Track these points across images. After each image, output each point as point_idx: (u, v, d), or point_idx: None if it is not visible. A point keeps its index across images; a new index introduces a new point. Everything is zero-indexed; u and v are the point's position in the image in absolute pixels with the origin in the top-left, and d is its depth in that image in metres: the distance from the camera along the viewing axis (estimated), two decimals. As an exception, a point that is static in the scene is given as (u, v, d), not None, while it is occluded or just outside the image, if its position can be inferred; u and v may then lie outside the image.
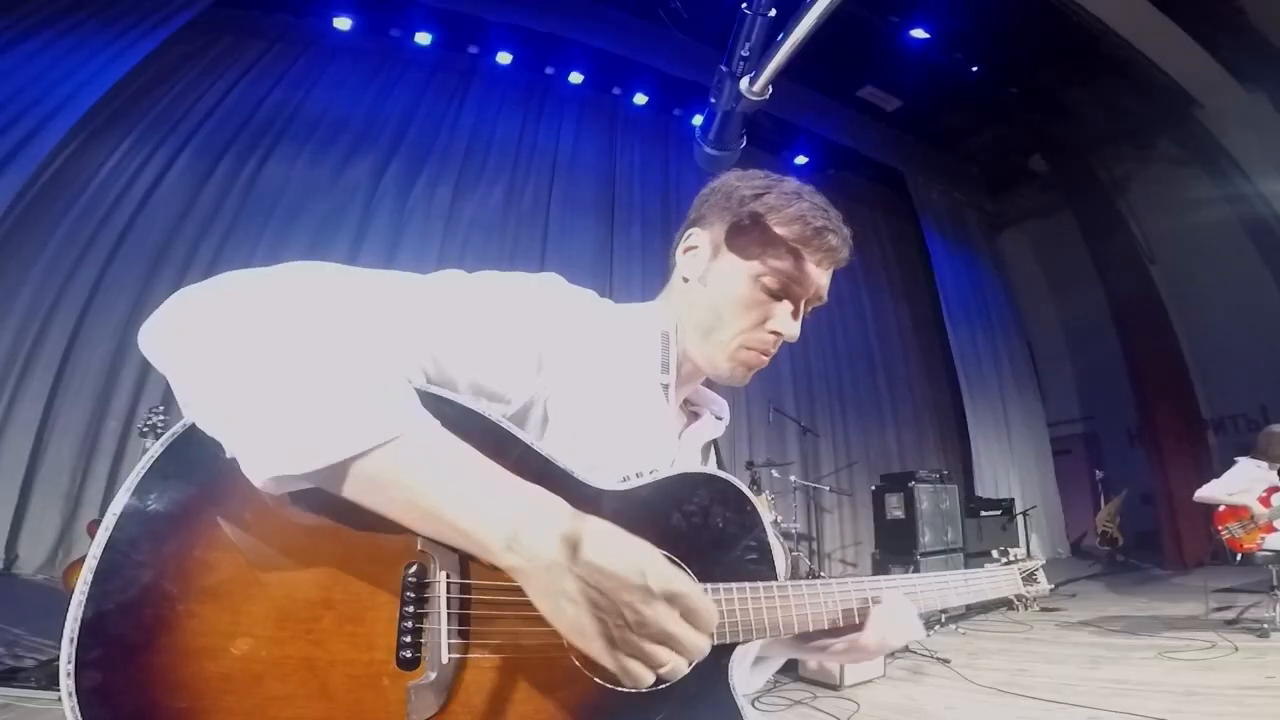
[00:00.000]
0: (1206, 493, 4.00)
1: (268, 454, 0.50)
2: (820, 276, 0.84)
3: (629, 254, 6.64)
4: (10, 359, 4.19)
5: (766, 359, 0.85)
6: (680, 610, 0.54)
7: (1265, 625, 3.62)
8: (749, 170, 0.86)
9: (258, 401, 0.50)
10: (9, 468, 4.05)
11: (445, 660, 0.56)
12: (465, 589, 0.58)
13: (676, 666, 0.55)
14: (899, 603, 0.82)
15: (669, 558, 0.67)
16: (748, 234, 0.82)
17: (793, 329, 0.83)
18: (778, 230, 0.81)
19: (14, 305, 4.27)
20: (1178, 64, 6.75)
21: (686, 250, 0.87)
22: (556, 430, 0.71)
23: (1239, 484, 3.94)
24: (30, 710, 2.17)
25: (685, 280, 0.86)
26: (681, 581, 0.55)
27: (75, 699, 0.46)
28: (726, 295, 0.82)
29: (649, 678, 0.54)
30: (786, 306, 0.83)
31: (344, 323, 0.57)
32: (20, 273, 4.33)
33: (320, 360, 0.52)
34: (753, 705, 2.82)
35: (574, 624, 0.52)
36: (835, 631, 0.81)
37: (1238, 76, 6.73)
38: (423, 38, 6.34)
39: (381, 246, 5.64)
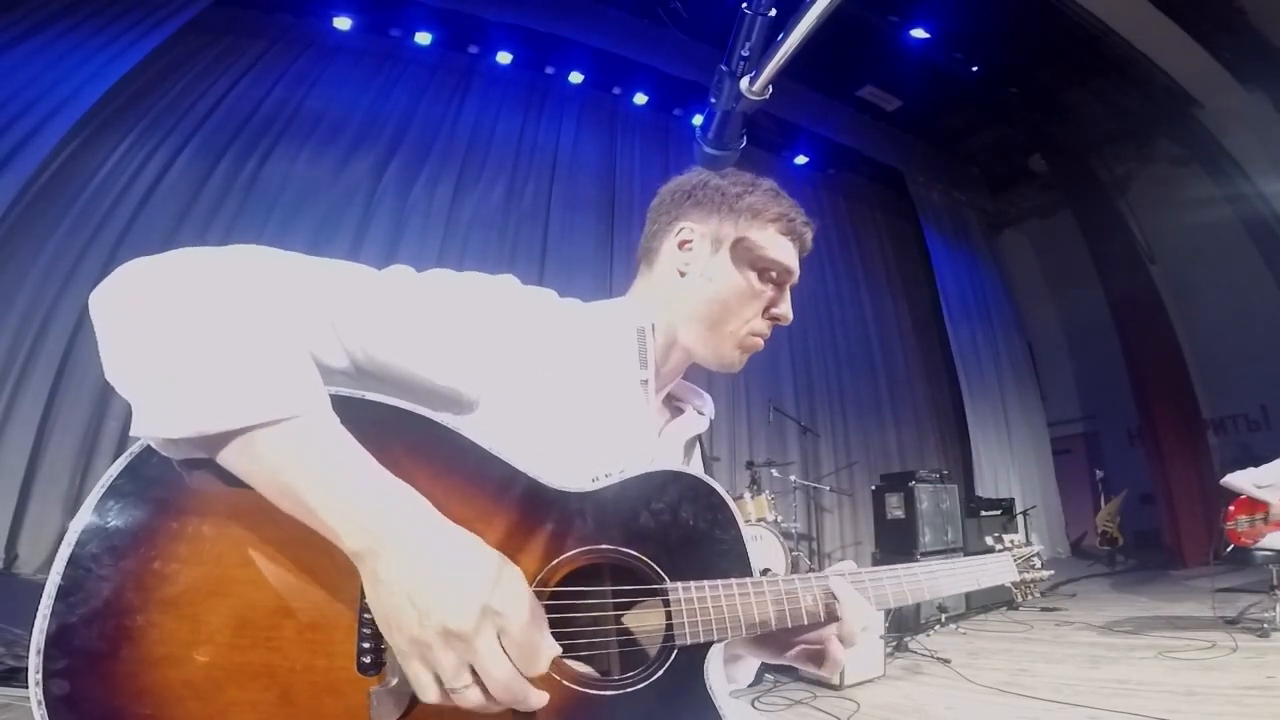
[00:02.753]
0: (1235, 480, 3.95)
1: (155, 416, 0.52)
2: (798, 265, 0.93)
3: (629, 254, 6.54)
4: (10, 359, 4.18)
5: (763, 344, 0.91)
6: (502, 636, 0.53)
7: (1265, 625, 3.62)
8: (703, 168, 0.88)
9: (158, 364, 0.52)
10: (9, 468, 4.05)
11: (411, 685, 0.56)
12: None
13: (466, 695, 0.52)
14: (852, 600, 0.77)
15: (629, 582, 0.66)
16: (746, 230, 0.88)
17: (790, 313, 0.91)
18: (771, 226, 0.89)
19: (14, 304, 4.26)
20: (1178, 64, 6.75)
21: (682, 245, 0.89)
22: (522, 430, 0.70)
23: (1269, 477, 3.90)
24: (30, 710, 2.17)
25: (682, 275, 0.88)
26: (515, 604, 0.53)
27: (44, 707, 0.48)
28: (733, 288, 0.87)
29: (433, 693, 0.52)
30: (780, 294, 0.91)
31: (268, 302, 0.58)
32: (21, 272, 4.32)
33: (227, 334, 0.53)
34: (753, 705, 2.80)
35: (383, 616, 0.53)
36: (799, 630, 0.77)
37: (1238, 76, 6.73)
38: (423, 37, 6.34)
39: (382, 244, 5.64)
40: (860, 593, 0.79)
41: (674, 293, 0.89)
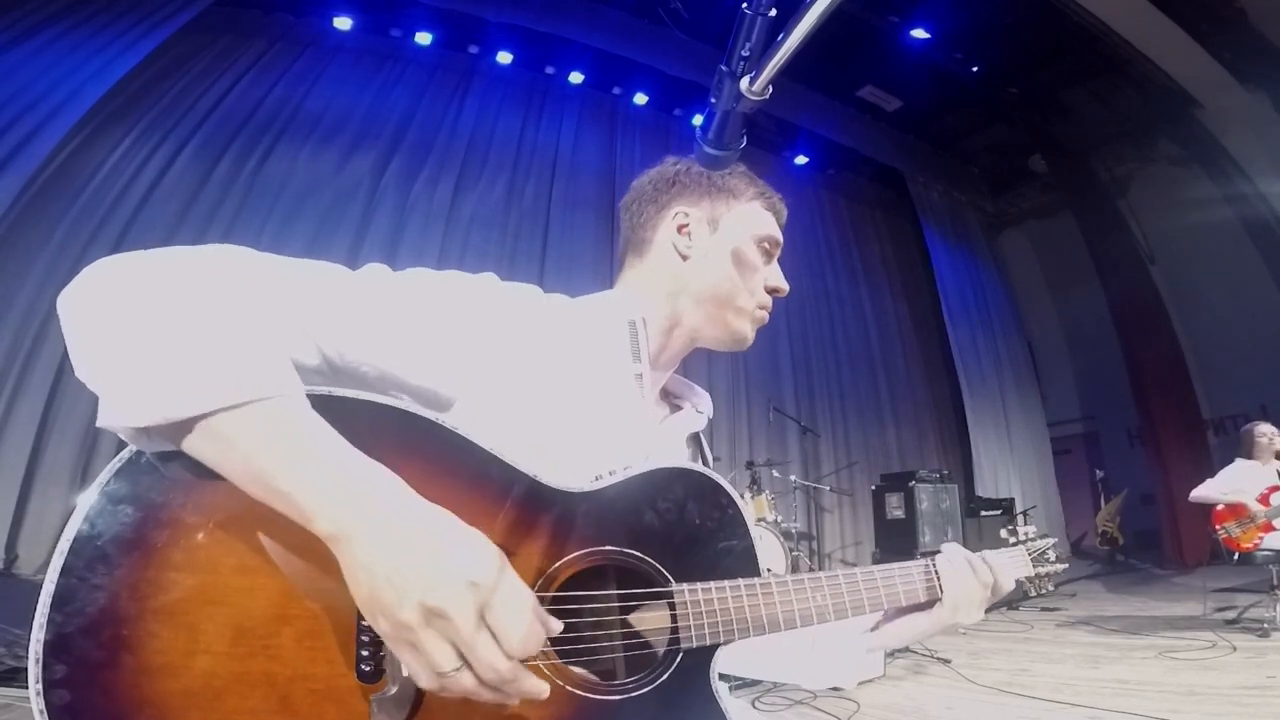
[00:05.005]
0: (1201, 492, 4.00)
1: (121, 404, 0.51)
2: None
3: (629, 254, 6.63)
4: (10, 359, 4.18)
5: (768, 317, 0.95)
6: (485, 613, 0.51)
7: (1265, 625, 3.62)
8: (680, 158, 0.95)
9: (123, 352, 0.51)
10: (9, 468, 4.05)
11: (406, 673, 0.55)
12: None
13: (459, 680, 0.50)
14: (961, 569, 0.89)
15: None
16: (735, 208, 0.92)
17: (786, 283, 0.94)
18: (756, 203, 0.93)
19: (14, 304, 4.26)
20: (1178, 64, 6.74)
21: (680, 229, 0.90)
22: (514, 430, 0.69)
23: (1234, 483, 3.93)
24: (31, 710, 2.17)
25: (685, 258, 0.90)
26: (494, 582, 0.51)
27: (47, 717, 0.47)
28: (740, 264, 0.90)
29: (427, 678, 0.50)
30: (771, 267, 0.94)
31: (238, 292, 0.57)
32: (21, 271, 4.33)
33: (194, 320, 0.52)
34: (753, 705, 2.79)
35: (364, 599, 0.51)
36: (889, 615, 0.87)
37: (1238, 76, 6.73)
38: (423, 38, 6.34)
39: (382, 243, 5.64)
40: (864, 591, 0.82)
41: (679, 277, 0.89)
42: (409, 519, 0.52)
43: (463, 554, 0.51)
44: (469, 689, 0.51)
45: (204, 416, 0.50)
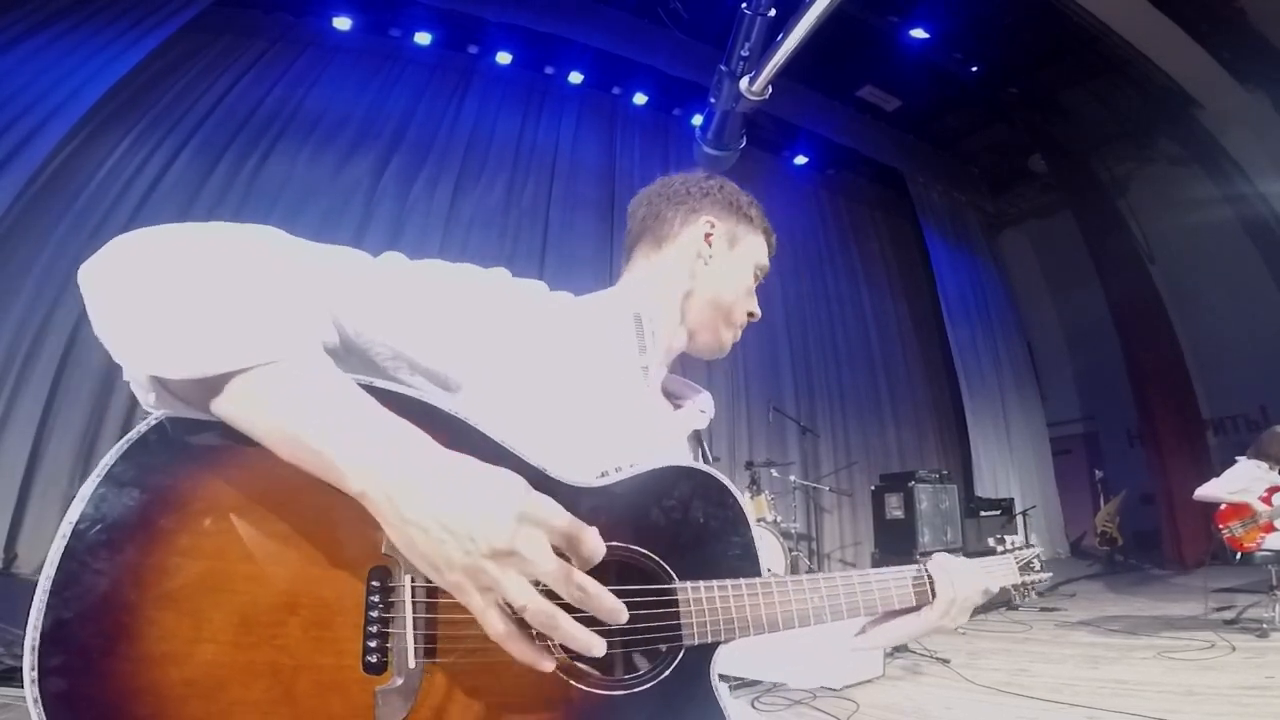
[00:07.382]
0: (1207, 491, 4.00)
1: (150, 353, 0.51)
2: None
3: (629, 254, 6.63)
4: (10, 359, 4.18)
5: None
6: (549, 535, 0.52)
7: (1265, 625, 3.62)
8: (712, 174, 1.00)
9: (154, 305, 0.52)
10: (9, 468, 4.04)
11: (412, 665, 0.55)
12: (432, 593, 0.57)
13: (544, 607, 0.51)
14: (953, 576, 0.91)
15: (645, 554, 0.68)
16: (749, 235, 1.00)
17: (759, 311, 1.02)
18: (761, 235, 1.01)
19: (14, 304, 4.26)
20: (1178, 64, 6.75)
21: (707, 236, 0.96)
22: (521, 421, 0.70)
23: (1239, 482, 3.94)
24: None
25: (705, 263, 0.95)
26: (547, 508, 0.52)
27: (41, 705, 0.46)
28: (743, 281, 0.98)
29: (501, 624, 0.51)
30: (754, 294, 1.02)
31: (269, 261, 0.59)
32: (21, 271, 4.32)
33: (228, 279, 0.54)
34: (752, 705, 2.79)
35: (424, 554, 0.51)
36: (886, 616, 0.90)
37: (1238, 76, 6.73)
38: (423, 38, 6.34)
39: (382, 243, 5.45)
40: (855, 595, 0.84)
41: (695, 278, 0.95)
42: (446, 468, 0.53)
43: (506, 491, 0.52)
44: (547, 615, 0.51)
45: (236, 374, 0.51)
